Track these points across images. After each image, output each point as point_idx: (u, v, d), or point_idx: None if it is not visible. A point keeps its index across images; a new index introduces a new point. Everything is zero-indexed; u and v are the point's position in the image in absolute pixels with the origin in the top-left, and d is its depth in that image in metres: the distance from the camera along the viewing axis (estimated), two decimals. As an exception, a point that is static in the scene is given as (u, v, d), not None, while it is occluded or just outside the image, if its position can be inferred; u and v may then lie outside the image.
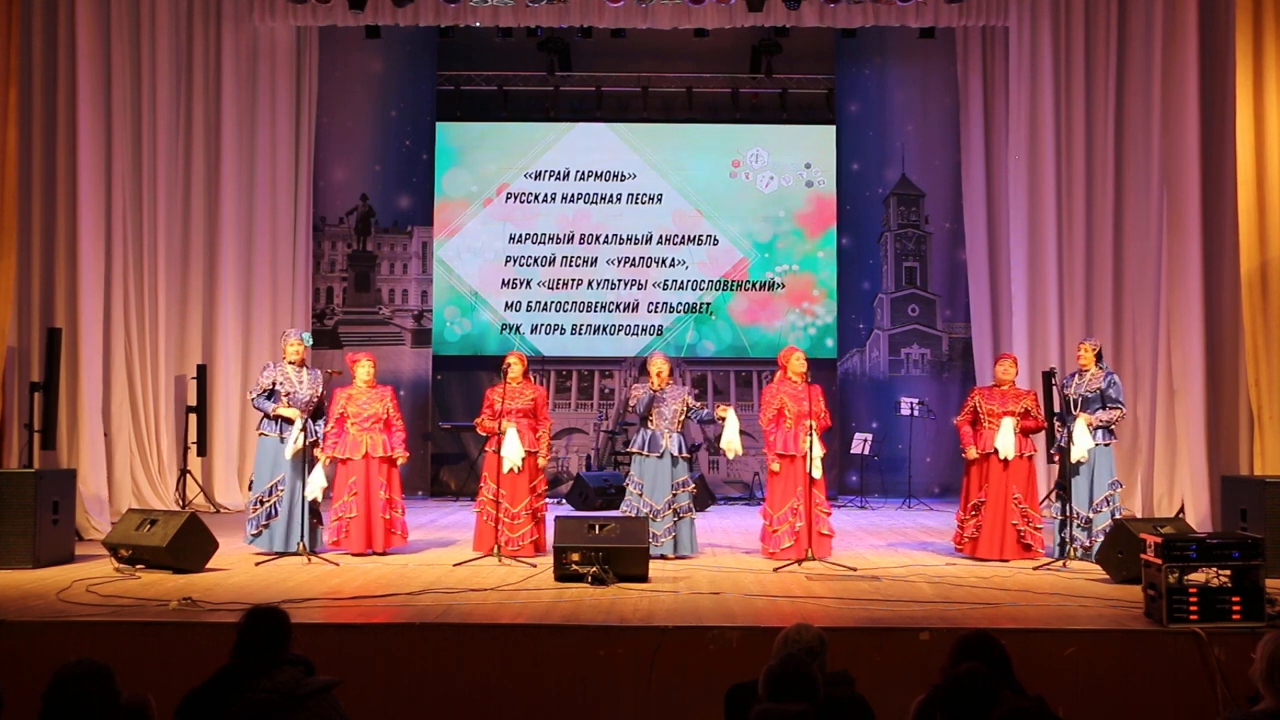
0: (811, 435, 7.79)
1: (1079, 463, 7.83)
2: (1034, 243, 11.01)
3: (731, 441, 8.08)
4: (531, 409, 8.21)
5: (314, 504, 7.91)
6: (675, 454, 8.13)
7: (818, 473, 7.86)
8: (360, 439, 8.07)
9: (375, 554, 8.01)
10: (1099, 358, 8.22)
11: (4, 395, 8.86)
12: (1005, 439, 7.97)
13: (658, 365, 8.29)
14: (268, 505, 7.92)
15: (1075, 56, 10.86)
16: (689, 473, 8.29)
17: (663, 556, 7.84)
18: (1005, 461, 8.00)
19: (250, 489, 8.08)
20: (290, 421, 7.94)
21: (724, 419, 8.12)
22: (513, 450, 7.96)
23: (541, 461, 8.22)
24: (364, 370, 8.24)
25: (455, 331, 13.77)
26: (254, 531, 7.95)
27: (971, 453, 8.10)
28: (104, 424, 9.91)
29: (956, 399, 13.32)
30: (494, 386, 8.31)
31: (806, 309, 13.79)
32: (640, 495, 8.09)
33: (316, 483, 7.88)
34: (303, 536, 7.78)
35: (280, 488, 7.93)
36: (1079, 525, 7.85)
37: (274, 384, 8.02)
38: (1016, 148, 11.21)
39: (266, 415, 8.02)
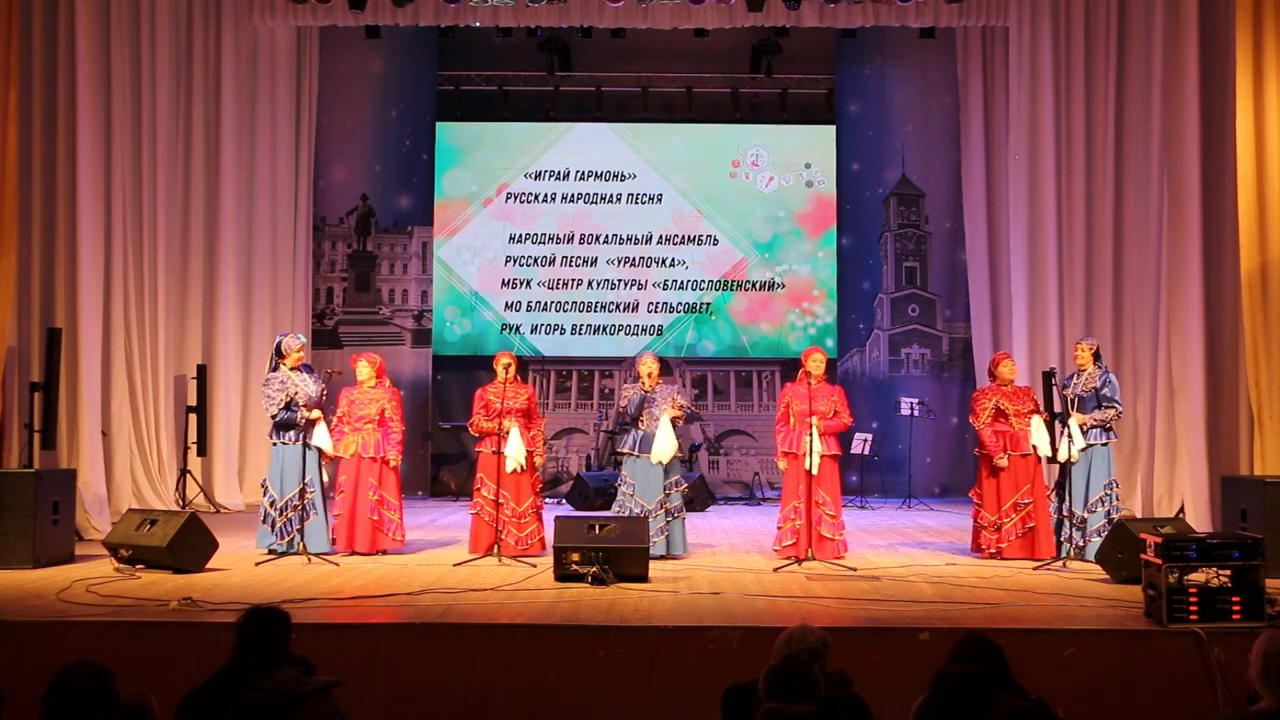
0: (812, 434, 7.79)
1: (1070, 462, 7.83)
2: (1034, 243, 11.01)
3: (660, 449, 7.94)
4: (527, 408, 8.23)
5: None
6: None
7: (814, 469, 7.83)
8: (351, 438, 8.11)
9: (359, 554, 7.97)
10: (1097, 357, 8.22)
11: (4, 395, 8.86)
12: (1043, 436, 8.00)
13: (648, 366, 8.27)
14: (299, 509, 7.83)
15: (1075, 56, 10.86)
16: (683, 472, 8.27)
17: (653, 556, 7.82)
18: (1042, 460, 8.06)
19: (266, 497, 7.96)
20: (313, 424, 7.91)
21: (657, 424, 8.01)
22: (516, 449, 7.95)
23: (539, 460, 8.23)
24: (360, 370, 8.29)
25: (455, 331, 13.76)
26: (287, 537, 7.85)
27: (1003, 460, 8.04)
28: (104, 424, 9.91)
29: (957, 399, 13.34)
30: (483, 387, 8.29)
31: (806, 309, 13.79)
32: (632, 495, 8.07)
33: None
34: (302, 536, 7.79)
35: (310, 489, 7.88)
36: (1074, 525, 7.85)
37: (290, 397, 7.94)
38: (1016, 148, 11.20)
39: (292, 426, 7.92)
